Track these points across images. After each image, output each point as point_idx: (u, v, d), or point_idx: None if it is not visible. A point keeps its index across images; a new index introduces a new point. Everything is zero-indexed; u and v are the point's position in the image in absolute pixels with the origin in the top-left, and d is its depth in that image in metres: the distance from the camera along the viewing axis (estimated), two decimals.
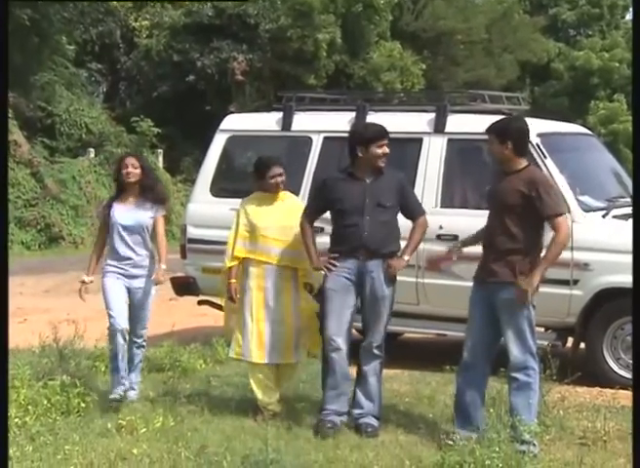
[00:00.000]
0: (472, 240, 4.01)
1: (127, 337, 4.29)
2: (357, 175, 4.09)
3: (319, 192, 4.21)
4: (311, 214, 4.20)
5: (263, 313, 4.21)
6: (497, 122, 3.79)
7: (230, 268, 4.26)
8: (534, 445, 3.56)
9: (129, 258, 4.31)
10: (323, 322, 4.07)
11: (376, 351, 4.05)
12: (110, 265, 4.33)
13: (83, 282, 4.35)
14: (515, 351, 3.65)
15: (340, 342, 4.01)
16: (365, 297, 4.06)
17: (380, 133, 4.05)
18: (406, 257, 4.06)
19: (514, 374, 3.67)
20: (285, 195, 4.34)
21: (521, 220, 3.64)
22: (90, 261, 4.41)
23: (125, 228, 4.30)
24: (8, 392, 3.68)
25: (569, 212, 5.02)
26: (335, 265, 4.03)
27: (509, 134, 3.68)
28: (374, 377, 4.07)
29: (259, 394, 4.22)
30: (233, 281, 4.25)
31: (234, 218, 4.31)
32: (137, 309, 4.37)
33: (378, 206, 4.03)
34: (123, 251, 4.30)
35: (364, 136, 4.06)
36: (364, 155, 4.04)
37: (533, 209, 3.62)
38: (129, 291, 4.33)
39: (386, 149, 4.04)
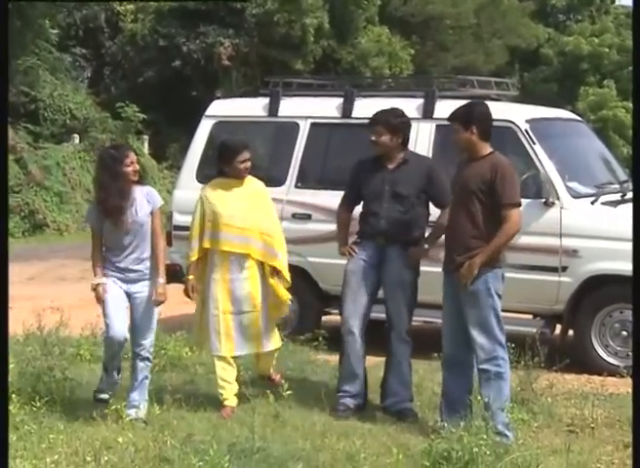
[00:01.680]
0: (433, 237, 4.07)
1: (124, 347, 3.90)
2: (381, 161, 4.08)
3: (350, 178, 4.22)
4: (346, 201, 4.23)
5: (230, 305, 4.08)
6: (458, 109, 3.74)
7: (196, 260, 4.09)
8: (506, 436, 3.55)
9: (128, 263, 3.86)
10: (341, 303, 4.12)
11: (404, 336, 4.08)
12: (108, 270, 3.88)
13: (97, 285, 3.86)
14: (482, 341, 3.62)
15: (355, 325, 4.06)
16: (385, 284, 4.09)
17: (370, 120, 4.08)
18: (426, 246, 4.08)
19: (483, 366, 3.65)
20: (249, 180, 4.16)
21: (485, 207, 3.61)
22: (94, 264, 3.91)
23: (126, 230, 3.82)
24: (8, 388, 3.58)
25: (557, 198, 5.06)
26: (354, 250, 4.09)
27: (474, 119, 3.65)
28: (405, 363, 4.11)
29: (221, 388, 4.12)
30: (190, 277, 4.10)
31: (196, 207, 4.12)
32: (139, 316, 3.90)
33: (395, 194, 4.03)
34: (122, 255, 3.85)
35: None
36: None
37: (495, 195, 3.60)
38: (129, 296, 3.89)
39: (372, 136, 4.04)
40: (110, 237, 3.88)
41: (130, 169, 3.86)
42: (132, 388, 3.97)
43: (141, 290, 3.90)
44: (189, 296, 4.12)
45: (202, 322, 4.16)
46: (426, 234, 4.15)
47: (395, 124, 4.04)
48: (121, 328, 3.86)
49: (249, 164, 4.10)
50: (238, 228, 4.06)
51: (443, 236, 3.93)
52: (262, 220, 4.12)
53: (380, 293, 4.14)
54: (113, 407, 3.84)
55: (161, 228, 3.98)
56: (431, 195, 4.07)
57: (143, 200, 3.89)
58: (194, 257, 4.09)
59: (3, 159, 3.87)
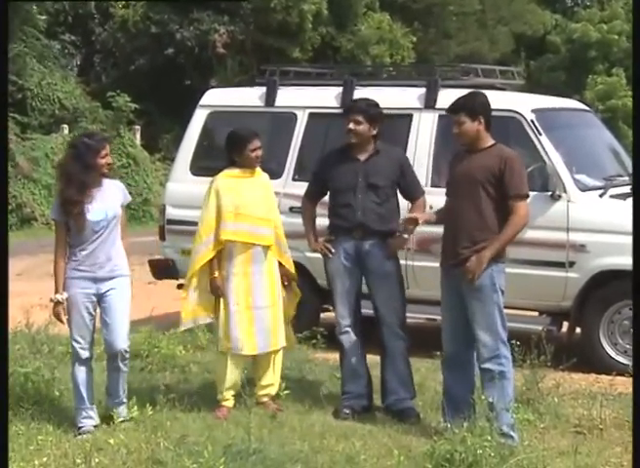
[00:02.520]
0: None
1: (91, 366, 3.79)
2: (351, 153, 4.01)
3: (316, 170, 4.16)
4: (311, 193, 4.17)
5: (252, 300, 3.99)
6: (461, 100, 3.64)
7: (212, 257, 3.97)
8: (511, 437, 3.47)
9: (98, 259, 3.68)
10: (333, 305, 4.11)
11: (399, 331, 3.99)
12: (75, 270, 3.68)
13: (57, 302, 3.65)
14: (485, 339, 3.54)
15: (349, 325, 4.00)
16: (369, 279, 4.01)
17: (348, 108, 4.02)
18: (405, 235, 4.02)
19: (486, 365, 3.56)
20: (259, 171, 4.11)
21: (492, 199, 3.54)
22: (57, 275, 3.67)
23: (95, 224, 3.66)
24: (7, 390, 3.48)
25: (564, 191, 4.94)
26: (330, 249, 3.99)
27: (479, 109, 3.57)
28: (401, 359, 4.01)
29: (223, 387, 4.01)
30: (217, 275, 3.99)
31: (209, 198, 4.00)
32: (112, 316, 3.72)
33: (370, 185, 3.95)
34: (92, 251, 3.67)
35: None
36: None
37: (502, 186, 3.52)
38: (99, 297, 3.71)
39: (351, 125, 3.95)
40: (79, 231, 3.70)
41: (104, 161, 3.72)
42: (116, 387, 3.83)
43: (113, 286, 3.73)
44: (219, 295, 3.99)
45: (222, 319, 4.03)
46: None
47: (374, 114, 3.99)
48: (86, 346, 3.74)
49: (260, 152, 4.03)
50: (259, 219, 4.00)
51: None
52: (273, 213, 4.07)
53: (364, 289, 4.06)
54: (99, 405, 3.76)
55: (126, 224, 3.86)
56: (403, 186, 4.02)
57: (117, 192, 3.79)
58: (211, 254, 3.97)
59: (2, 153, 3.77)
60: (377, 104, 4.04)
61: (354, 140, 3.95)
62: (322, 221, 4.17)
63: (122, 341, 3.76)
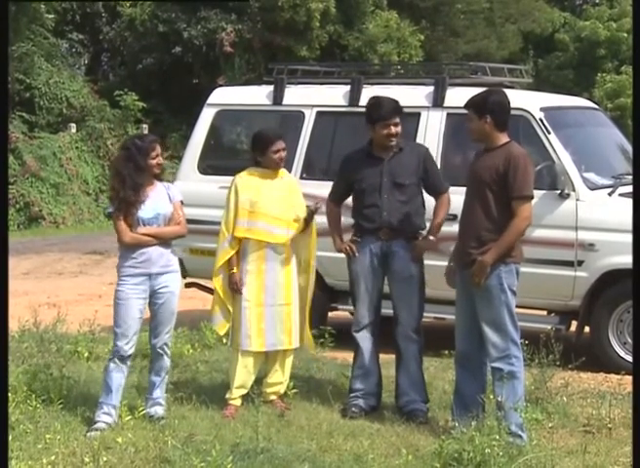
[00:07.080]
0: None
1: (129, 365, 3.84)
2: (374, 152, 4.00)
3: (340, 172, 4.15)
4: (335, 195, 4.17)
5: (263, 297, 4.00)
6: (474, 96, 3.64)
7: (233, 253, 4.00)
8: (520, 436, 3.45)
9: (151, 255, 3.76)
10: (353, 304, 4.08)
11: (413, 335, 3.98)
12: (129, 267, 3.76)
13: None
14: (494, 339, 3.53)
15: (367, 323, 4.00)
16: (392, 279, 4.00)
17: (388, 113, 3.93)
18: (431, 237, 4.00)
19: (496, 364, 3.54)
20: (283, 172, 4.14)
21: (498, 199, 3.51)
22: (141, 241, 3.73)
23: (147, 221, 3.76)
24: (7, 391, 3.48)
25: (573, 190, 4.91)
26: (353, 251, 3.97)
27: (488, 108, 3.55)
28: (414, 362, 4.01)
29: (232, 385, 4.01)
30: (235, 270, 4.00)
31: (229, 195, 4.04)
32: (162, 311, 3.82)
33: (395, 185, 3.94)
34: (145, 248, 3.74)
35: (371, 115, 3.98)
36: (372, 134, 3.99)
37: (507, 186, 3.49)
38: (152, 293, 3.79)
39: (393, 130, 3.93)
40: (131, 228, 3.77)
41: (154, 162, 3.80)
42: (154, 385, 3.88)
43: (165, 283, 3.80)
44: (237, 290, 4.01)
45: (234, 315, 4.04)
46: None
47: (402, 114, 4.01)
48: (131, 344, 3.79)
49: (283, 154, 4.05)
50: (275, 219, 4.00)
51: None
52: (297, 214, 4.06)
53: (386, 288, 4.05)
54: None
55: (184, 219, 3.88)
56: (428, 183, 4.00)
57: (165, 193, 3.86)
58: (231, 251, 3.99)
59: (3, 151, 3.77)
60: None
61: (394, 143, 3.94)
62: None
63: (167, 336, 3.84)
